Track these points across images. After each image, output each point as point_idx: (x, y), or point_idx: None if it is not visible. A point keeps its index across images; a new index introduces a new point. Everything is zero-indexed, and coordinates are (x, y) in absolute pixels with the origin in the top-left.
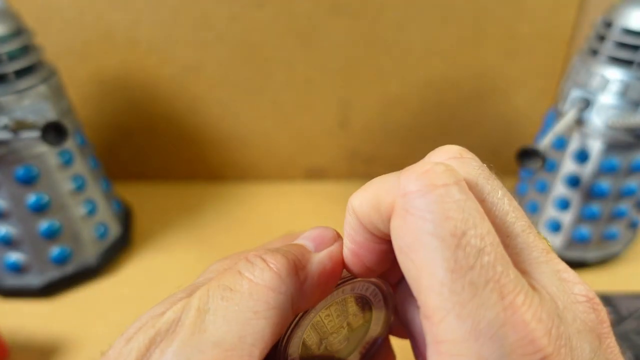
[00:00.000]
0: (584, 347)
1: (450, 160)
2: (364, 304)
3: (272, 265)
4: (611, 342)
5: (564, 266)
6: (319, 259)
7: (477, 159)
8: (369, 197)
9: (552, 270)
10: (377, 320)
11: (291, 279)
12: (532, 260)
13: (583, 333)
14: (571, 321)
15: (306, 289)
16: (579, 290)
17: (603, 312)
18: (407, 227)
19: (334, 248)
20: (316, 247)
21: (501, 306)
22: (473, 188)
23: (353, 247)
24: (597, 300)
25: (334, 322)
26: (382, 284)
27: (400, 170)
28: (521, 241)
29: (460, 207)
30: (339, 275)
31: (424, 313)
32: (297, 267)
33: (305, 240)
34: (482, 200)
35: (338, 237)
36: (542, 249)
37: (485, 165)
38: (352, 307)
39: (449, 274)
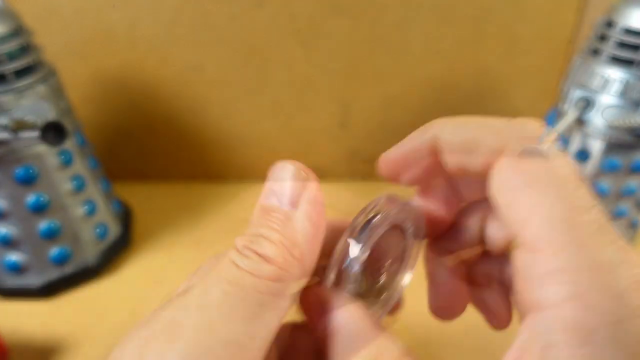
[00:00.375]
0: None
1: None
2: (400, 234)
3: (266, 257)
4: None
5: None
6: (303, 229)
7: None
8: (467, 132)
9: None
10: (414, 251)
11: (289, 262)
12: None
13: None
14: None
15: (304, 258)
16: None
17: None
18: (526, 167)
19: (310, 197)
20: (292, 202)
21: (616, 247)
22: None
23: (404, 160)
24: None
25: (380, 250)
26: (419, 215)
27: (504, 119)
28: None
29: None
30: (324, 220)
31: (531, 247)
32: (289, 249)
33: (278, 198)
34: None
35: (305, 177)
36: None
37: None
38: (392, 235)
39: (569, 211)
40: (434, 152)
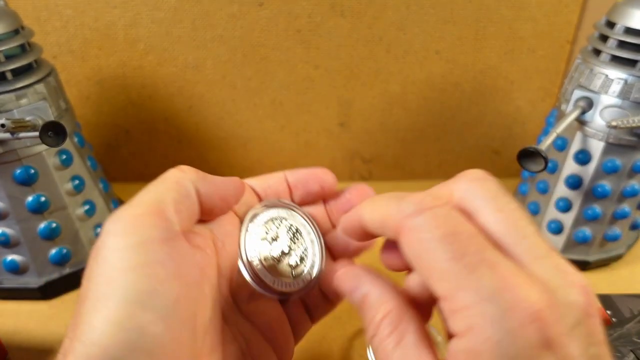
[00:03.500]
0: (569, 315)
1: (473, 182)
2: (297, 234)
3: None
4: (595, 320)
5: (563, 261)
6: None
7: (495, 180)
8: (378, 217)
9: (551, 263)
10: (314, 254)
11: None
12: (533, 257)
13: (570, 306)
14: (561, 296)
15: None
16: (574, 278)
17: (592, 296)
18: (413, 240)
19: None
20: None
21: (493, 276)
22: (488, 203)
23: (344, 234)
24: (589, 288)
25: (277, 235)
26: (316, 226)
27: (400, 196)
28: (527, 242)
29: (446, 218)
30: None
31: (441, 297)
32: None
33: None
34: (498, 210)
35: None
36: (545, 248)
37: (500, 185)
38: (290, 232)
39: (449, 262)
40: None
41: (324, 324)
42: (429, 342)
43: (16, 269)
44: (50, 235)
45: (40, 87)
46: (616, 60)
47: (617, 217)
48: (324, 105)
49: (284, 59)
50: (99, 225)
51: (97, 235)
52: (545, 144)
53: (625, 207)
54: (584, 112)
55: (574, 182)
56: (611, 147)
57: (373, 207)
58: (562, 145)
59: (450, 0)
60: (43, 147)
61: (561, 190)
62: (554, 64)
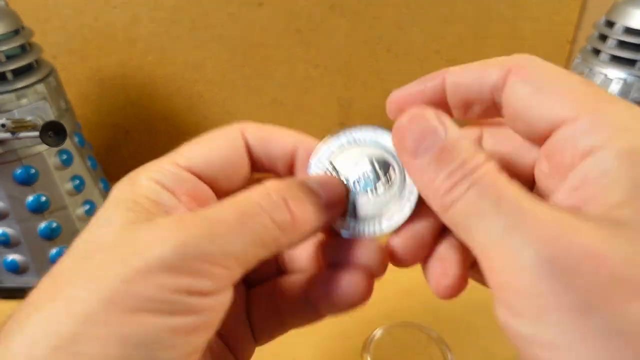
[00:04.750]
0: None
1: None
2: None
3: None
4: None
5: None
6: None
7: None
8: (474, 67)
9: None
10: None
11: None
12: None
13: None
14: None
15: None
16: None
17: None
18: (538, 70)
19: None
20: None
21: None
22: None
23: (411, 98)
24: None
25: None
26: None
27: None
28: None
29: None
30: None
31: (570, 119)
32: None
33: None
34: None
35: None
36: None
37: None
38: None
39: (582, 85)
40: (441, 93)
41: (324, 324)
42: None
43: (16, 269)
44: (51, 235)
45: (40, 87)
46: (615, 60)
47: None
48: (323, 105)
49: (284, 58)
50: None
51: None
52: None
53: None
54: None
55: None
56: None
57: (467, 65)
58: None
59: None
60: (43, 147)
61: None
62: (553, 63)
